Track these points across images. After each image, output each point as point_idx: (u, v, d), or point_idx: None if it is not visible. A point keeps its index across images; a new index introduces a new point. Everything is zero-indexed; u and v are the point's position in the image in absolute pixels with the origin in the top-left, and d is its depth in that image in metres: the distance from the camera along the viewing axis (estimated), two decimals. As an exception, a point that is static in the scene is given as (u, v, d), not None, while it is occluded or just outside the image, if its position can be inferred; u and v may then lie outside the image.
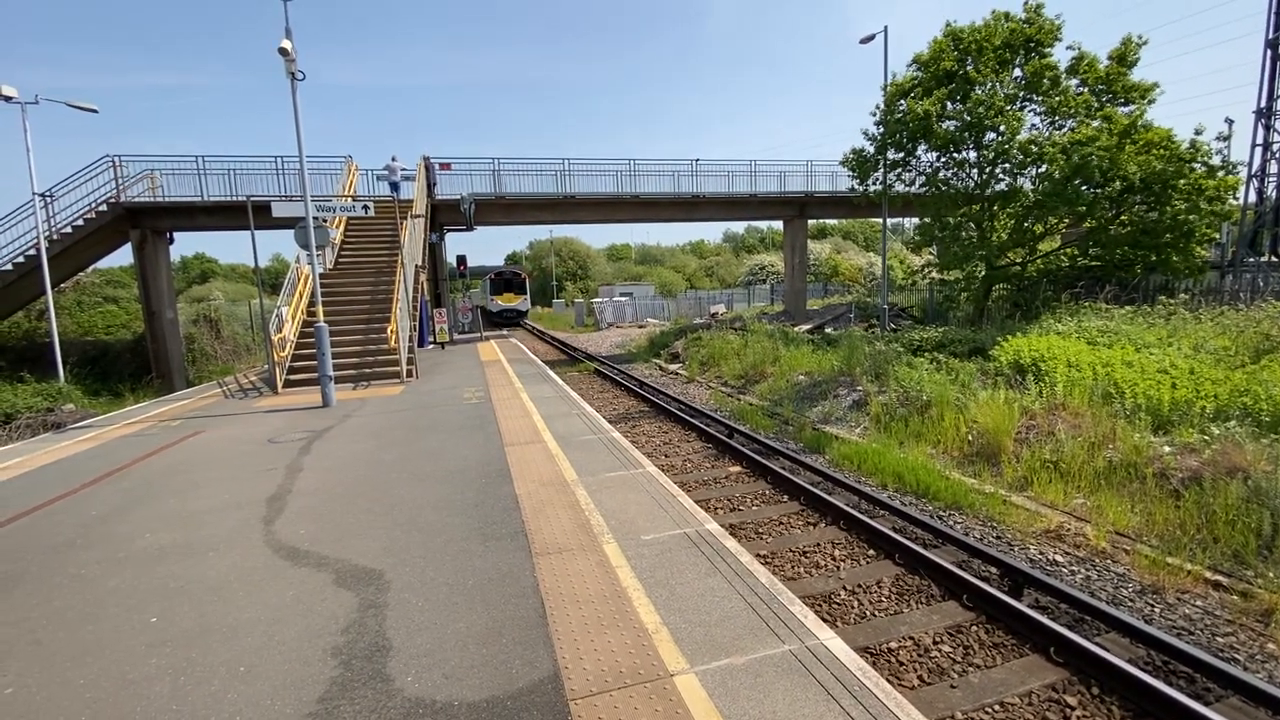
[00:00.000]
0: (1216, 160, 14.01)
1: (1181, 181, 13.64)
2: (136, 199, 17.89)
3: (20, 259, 16.86)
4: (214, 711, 2.69)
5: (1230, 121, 22.65)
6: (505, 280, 37.56)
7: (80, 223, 17.29)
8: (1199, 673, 3.91)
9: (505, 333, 30.14)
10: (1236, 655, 4.23)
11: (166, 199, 18.28)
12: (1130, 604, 4.90)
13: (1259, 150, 20.82)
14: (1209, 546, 5.42)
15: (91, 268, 23.03)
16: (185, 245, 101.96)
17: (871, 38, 17.80)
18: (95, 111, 16.71)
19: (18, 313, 19.60)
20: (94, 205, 17.50)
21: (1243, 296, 14.62)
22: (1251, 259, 20.47)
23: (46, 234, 16.37)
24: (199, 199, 18.34)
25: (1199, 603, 4.85)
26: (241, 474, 6.34)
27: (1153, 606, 4.84)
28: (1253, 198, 20.98)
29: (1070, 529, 6.10)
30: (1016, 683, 3.96)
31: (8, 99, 14.89)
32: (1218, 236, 17.00)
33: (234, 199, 18.15)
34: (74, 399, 13.82)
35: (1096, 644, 4.09)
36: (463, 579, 3.80)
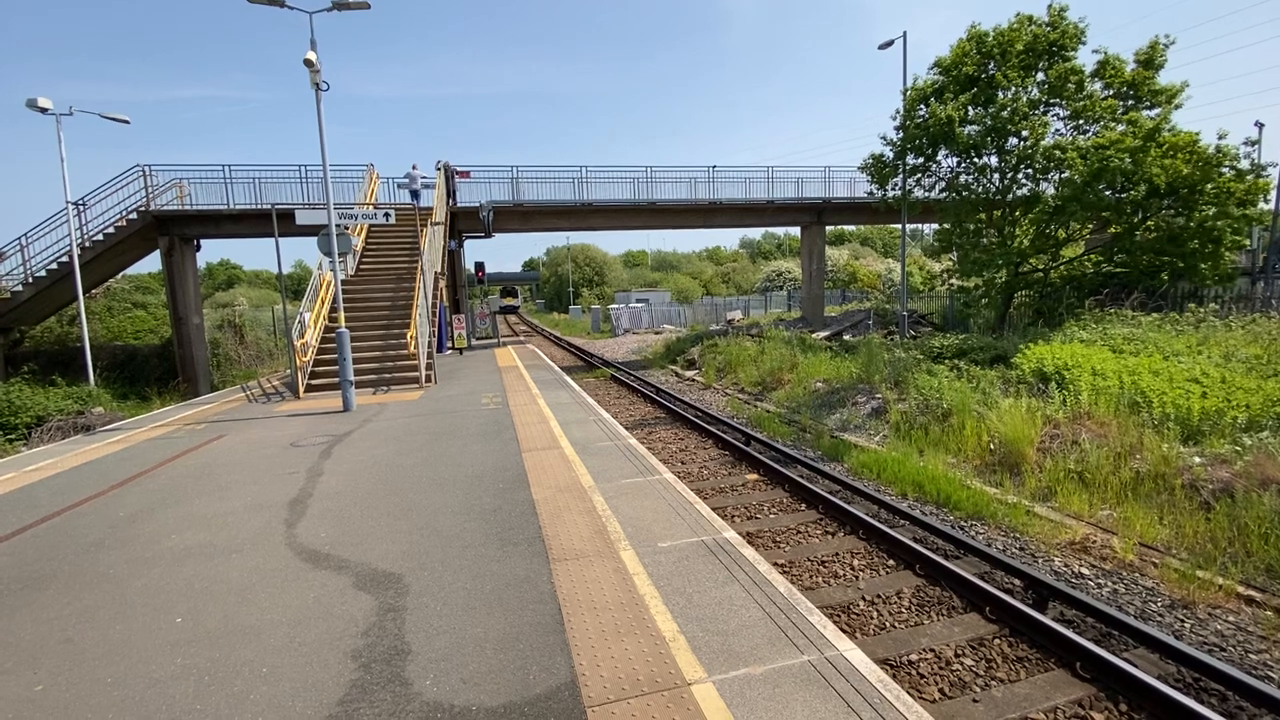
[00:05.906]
0: (1245, 164, 13.68)
1: (1209, 185, 13.33)
2: (165, 207, 18.30)
3: (54, 265, 17.34)
4: (236, 712, 2.73)
5: (1261, 125, 22.14)
6: (506, 290, 59.86)
7: (111, 230, 17.75)
8: (1232, 690, 3.80)
9: (522, 339, 30.65)
10: (1271, 673, 4.11)
11: (194, 207, 18.67)
12: (1159, 619, 4.78)
13: (1291, 154, 20.31)
14: (1241, 560, 5.28)
15: (121, 274, 23.66)
16: (210, 252, 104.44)
17: (891, 43, 17.74)
18: (127, 122, 17.18)
19: (50, 318, 20.18)
20: (124, 213, 17.95)
21: (1275, 304, 14.24)
22: (1284, 265, 19.91)
23: (79, 241, 16.82)
24: (225, 207, 18.71)
25: (1231, 618, 4.72)
26: (264, 477, 6.44)
27: (1183, 621, 4.72)
28: (1284, 203, 20.43)
29: (1096, 541, 5.97)
30: (1041, 698, 3.88)
31: (44, 111, 15.36)
32: (1248, 243, 16.56)
33: (259, 207, 18.52)
34: (103, 402, 14.13)
35: (1124, 659, 4.00)
36: (480, 584, 3.82)
